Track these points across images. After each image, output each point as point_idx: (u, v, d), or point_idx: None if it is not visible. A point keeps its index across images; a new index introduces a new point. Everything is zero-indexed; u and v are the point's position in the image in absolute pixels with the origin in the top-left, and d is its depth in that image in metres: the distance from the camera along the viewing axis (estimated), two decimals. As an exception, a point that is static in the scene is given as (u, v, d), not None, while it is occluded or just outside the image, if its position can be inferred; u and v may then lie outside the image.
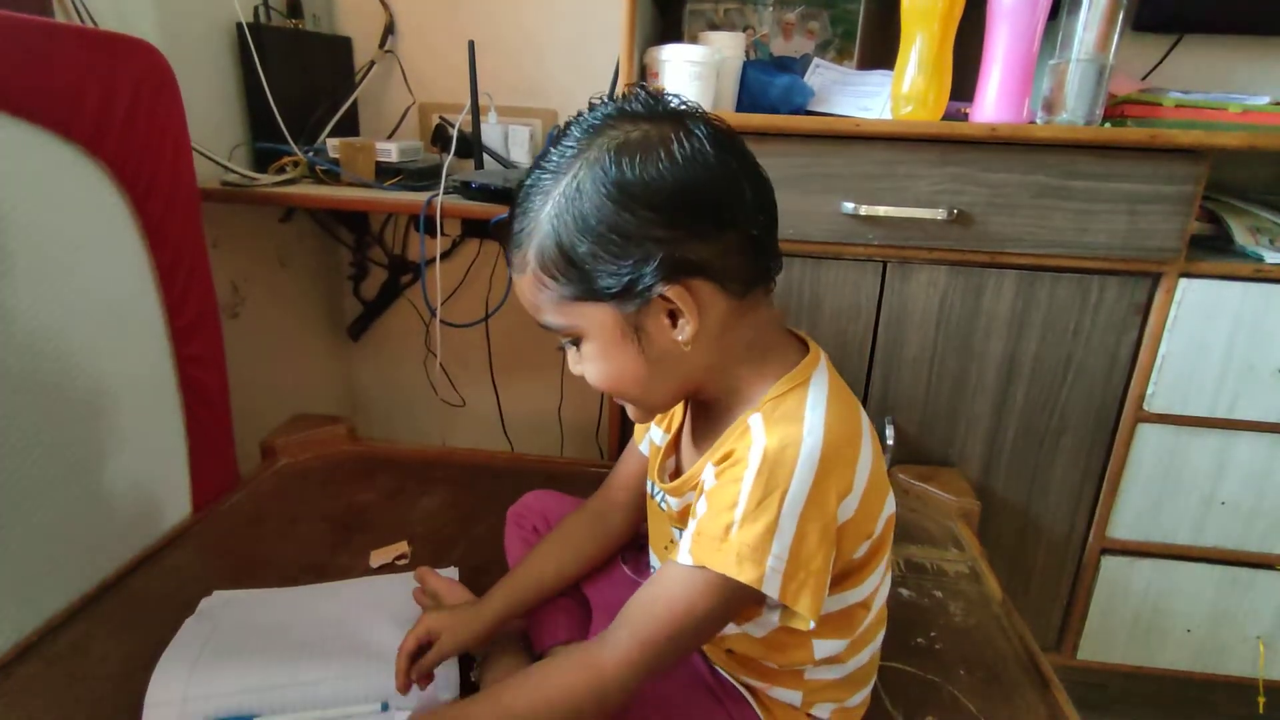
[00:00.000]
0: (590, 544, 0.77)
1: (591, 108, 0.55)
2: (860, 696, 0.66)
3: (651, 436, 0.71)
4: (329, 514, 1.05)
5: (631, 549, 0.81)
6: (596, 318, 0.54)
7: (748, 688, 0.64)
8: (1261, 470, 1.15)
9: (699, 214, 0.51)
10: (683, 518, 0.64)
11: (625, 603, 0.56)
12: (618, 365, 0.56)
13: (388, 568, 0.93)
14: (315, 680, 0.72)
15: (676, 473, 0.66)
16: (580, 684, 0.54)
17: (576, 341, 0.56)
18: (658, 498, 0.68)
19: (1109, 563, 1.22)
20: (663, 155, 0.50)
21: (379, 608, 0.83)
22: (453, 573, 0.90)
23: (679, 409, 0.67)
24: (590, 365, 0.57)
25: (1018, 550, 1.24)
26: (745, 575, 0.50)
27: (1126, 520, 1.20)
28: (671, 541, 0.67)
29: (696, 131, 0.52)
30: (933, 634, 0.85)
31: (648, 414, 0.63)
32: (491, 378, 1.64)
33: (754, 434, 0.53)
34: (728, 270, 0.53)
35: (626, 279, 0.51)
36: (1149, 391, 1.13)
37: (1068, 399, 1.15)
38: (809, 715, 0.63)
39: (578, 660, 0.55)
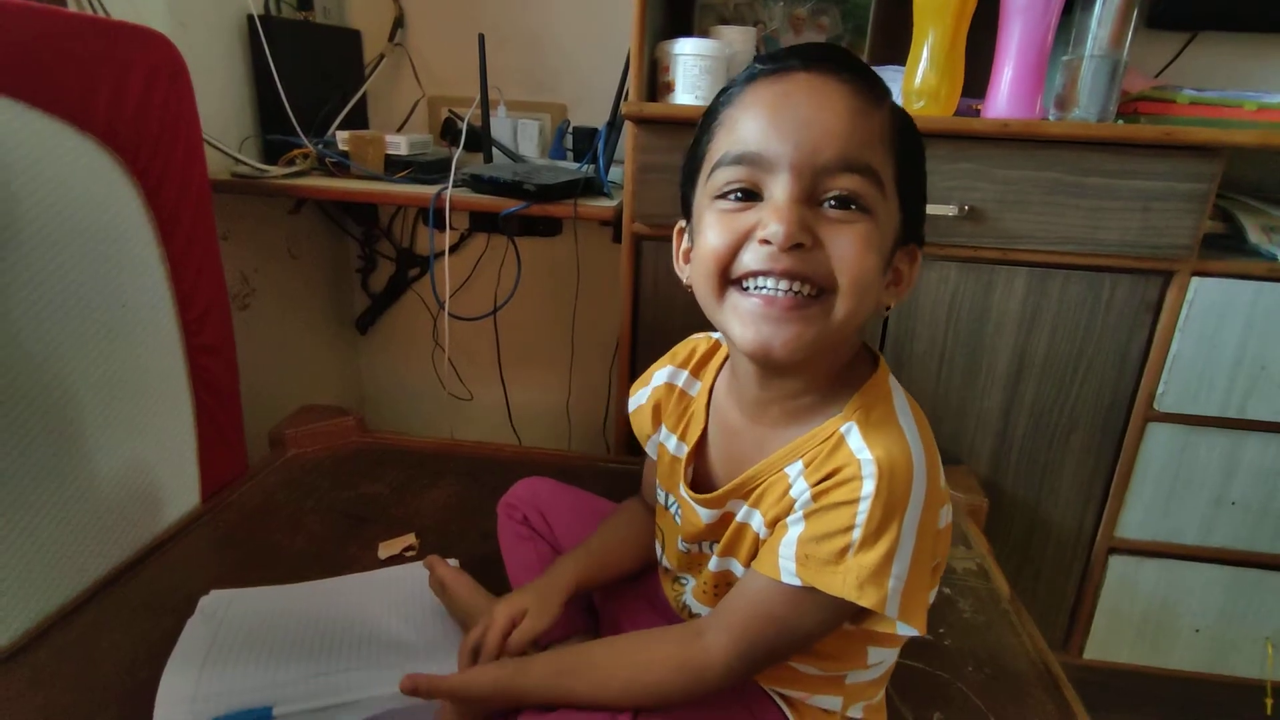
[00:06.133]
0: (649, 531, 0.74)
1: None
2: (883, 690, 0.66)
3: (663, 442, 0.66)
4: (337, 505, 1.05)
5: None
6: (892, 212, 0.52)
7: (785, 698, 0.62)
8: (1272, 470, 1.15)
9: None
10: (713, 530, 0.61)
11: (670, 614, 0.57)
12: (873, 262, 0.50)
13: (395, 559, 0.94)
14: (326, 673, 0.72)
15: (697, 483, 0.63)
16: (681, 679, 0.55)
17: (856, 205, 0.49)
18: (673, 509, 0.65)
19: (1117, 562, 1.22)
20: None
21: (386, 600, 0.84)
22: (455, 565, 0.89)
23: (699, 416, 0.64)
24: (861, 243, 0.49)
25: (1025, 548, 1.23)
26: (867, 600, 0.48)
27: (1135, 519, 1.20)
28: (690, 554, 0.65)
29: None
30: (941, 631, 0.85)
31: (817, 336, 0.50)
32: (499, 371, 1.64)
33: (853, 447, 0.51)
34: None
35: (919, 207, 0.55)
36: (1159, 390, 1.12)
37: (1078, 397, 1.14)
38: (846, 718, 0.62)
39: (681, 657, 0.56)
